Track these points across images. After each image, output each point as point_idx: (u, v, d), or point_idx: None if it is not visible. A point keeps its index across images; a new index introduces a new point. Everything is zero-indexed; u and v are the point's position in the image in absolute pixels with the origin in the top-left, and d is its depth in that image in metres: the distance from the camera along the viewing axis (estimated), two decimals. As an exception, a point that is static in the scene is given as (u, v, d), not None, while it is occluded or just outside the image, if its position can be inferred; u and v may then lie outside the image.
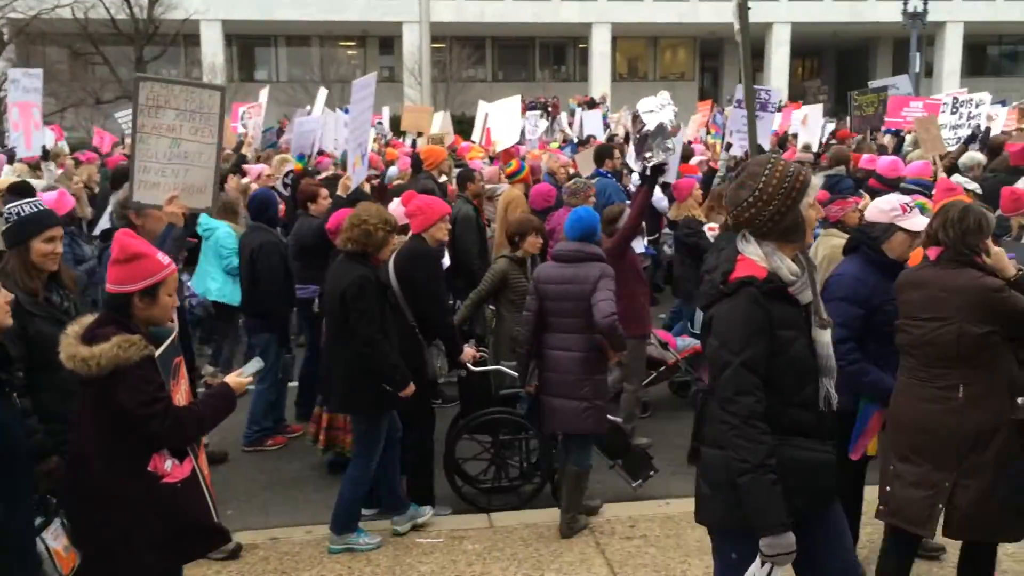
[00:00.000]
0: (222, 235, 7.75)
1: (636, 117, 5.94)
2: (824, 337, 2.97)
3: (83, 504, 3.15)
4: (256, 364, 3.75)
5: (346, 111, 11.28)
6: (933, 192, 7.02)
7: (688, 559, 4.76)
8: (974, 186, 7.66)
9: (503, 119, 13.98)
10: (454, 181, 9.18)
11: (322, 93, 17.00)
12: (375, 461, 5.03)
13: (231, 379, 3.53)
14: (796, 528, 2.76)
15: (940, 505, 3.62)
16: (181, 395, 3.35)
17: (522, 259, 6.10)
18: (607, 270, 4.96)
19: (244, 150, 13.67)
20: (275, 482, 6.27)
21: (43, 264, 3.81)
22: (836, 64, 45.91)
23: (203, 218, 7.42)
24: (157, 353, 3.15)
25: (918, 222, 4.24)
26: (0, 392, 3.03)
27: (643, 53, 43.81)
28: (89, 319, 3.21)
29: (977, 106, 11.61)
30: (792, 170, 2.89)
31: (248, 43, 40.62)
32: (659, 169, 5.84)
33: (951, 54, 39.39)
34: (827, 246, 5.83)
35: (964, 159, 9.53)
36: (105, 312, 3.25)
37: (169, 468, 3.16)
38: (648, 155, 5.77)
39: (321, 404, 5.93)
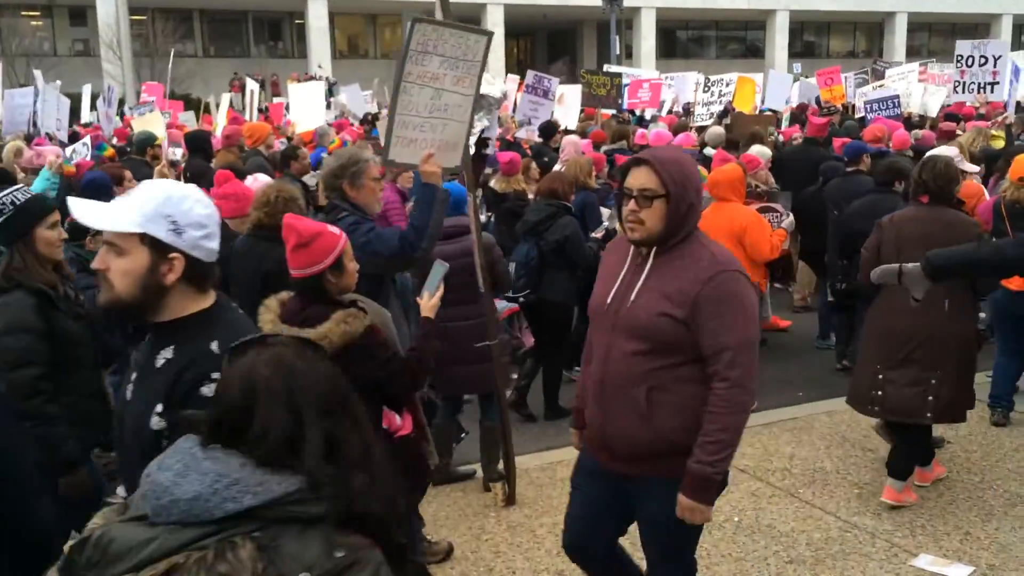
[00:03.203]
0: None
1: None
2: None
3: None
4: (439, 268, 3.70)
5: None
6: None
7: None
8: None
9: (303, 102, 13.55)
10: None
11: (37, 73, 15.00)
12: None
13: (424, 305, 3.64)
14: None
15: (929, 397, 4.54)
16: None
17: None
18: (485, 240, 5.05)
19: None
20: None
21: (51, 253, 3.55)
22: (548, 45, 48.21)
23: None
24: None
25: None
26: None
27: (362, 30, 43.21)
28: (274, 307, 3.20)
29: (727, 84, 12.72)
30: None
31: (-99, 9, 35.02)
32: (485, 143, 5.95)
33: (647, 38, 42.72)
34: None
35: (709, 135, 10.46)
36: (299, 294, 3.26)
37: (400, 422, 3.33)
38: (473, 128, 5.86)
39: None
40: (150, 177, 6.58)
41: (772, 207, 6.82)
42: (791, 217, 6.69)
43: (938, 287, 4.31)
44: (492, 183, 6.76)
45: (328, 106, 17.60)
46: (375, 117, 16.32)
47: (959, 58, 12.03)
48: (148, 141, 9.40)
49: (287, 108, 15.67)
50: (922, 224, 4.66)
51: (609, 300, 2.96)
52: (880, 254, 4.70)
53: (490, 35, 4.69)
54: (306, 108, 13.30)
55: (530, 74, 11.90)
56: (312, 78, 32.80)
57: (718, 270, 2.82)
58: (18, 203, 3.47)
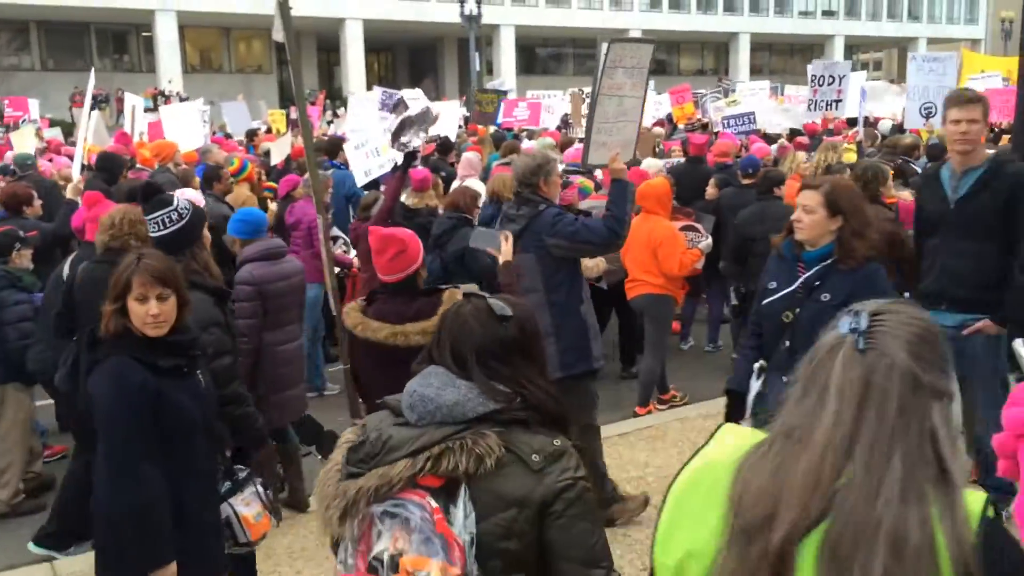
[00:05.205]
0: None
1: (401, 102, 6.47)
2: None
3: None
4: (486, 232, 4.13)
5: None
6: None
7: (278, 568, 4.59)
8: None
9: (181, 121, 13.06)
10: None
11: None
12: None
13: (504, 251, 3.97)
14: None
15: None
16: None
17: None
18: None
19: None
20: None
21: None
22: (409, 61, 48.16)
23: None
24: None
25: None
26: (179, 374, 3.00)
27: (215, 44, 41.86)
28: (356, 312, 3.43)
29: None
30: None
31: None
32: (413, 155, 6.32)
33: (507, 54, 43.39)
34: None
35: None
36: (395, 294, 3.47)
37: None
38: (405, 140, 6.25)
39: None
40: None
41: (695, 226, 7.12)
42: (709, 239, 7.00)
43: None
44: (404, 198, 6.80)
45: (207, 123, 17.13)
46: (254, 133, 15.84)
47: (813, 78, 12.73)
48: (27, 159, 9.76)
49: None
50: None
51: None
52: None
53: (654, 43, 5.33)
54: (182, 129, 12.95)
55: (378, 90, 11.86)
56: (161, 93, 31.58)
57: None
58: (190, 209, 3.74)
